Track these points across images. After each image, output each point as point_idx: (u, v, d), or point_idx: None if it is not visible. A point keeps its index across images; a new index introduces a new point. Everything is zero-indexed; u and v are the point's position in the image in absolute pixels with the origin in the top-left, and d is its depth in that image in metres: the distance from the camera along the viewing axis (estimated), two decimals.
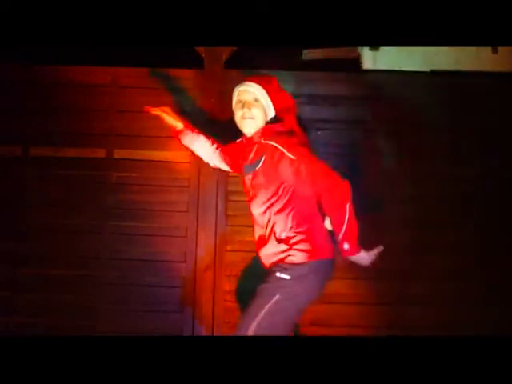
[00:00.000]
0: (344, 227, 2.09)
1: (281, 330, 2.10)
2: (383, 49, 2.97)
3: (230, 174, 2.73)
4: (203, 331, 2.81)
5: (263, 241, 2.22)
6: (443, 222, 2.85)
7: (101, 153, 2.90)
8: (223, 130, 2.60)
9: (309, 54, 3.04)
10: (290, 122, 2.24)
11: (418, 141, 2.89)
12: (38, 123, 2.90)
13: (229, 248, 2.87)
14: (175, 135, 2.53)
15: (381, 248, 2.20)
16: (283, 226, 2.15)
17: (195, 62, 2.90)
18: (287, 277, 2.10)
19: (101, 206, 2.88)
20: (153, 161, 2.89)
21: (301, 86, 2.91)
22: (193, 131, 2.51)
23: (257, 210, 2.22)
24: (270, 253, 2.19)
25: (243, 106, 2.21)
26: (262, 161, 2.15)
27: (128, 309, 2.85)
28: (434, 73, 2.96)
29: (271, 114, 2.24)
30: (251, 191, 2.23)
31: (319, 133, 2.90)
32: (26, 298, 2.85)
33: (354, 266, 2.82)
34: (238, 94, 2.26)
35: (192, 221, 2.88)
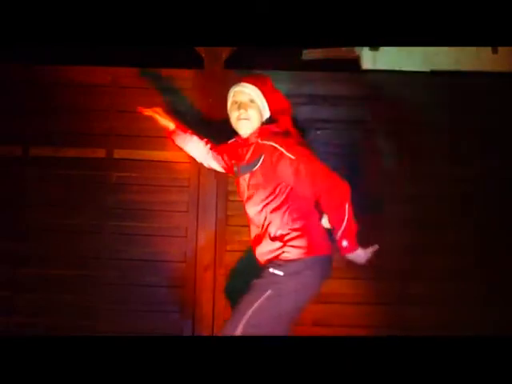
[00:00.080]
0: (343, 226, 2.09)
1: (272, 326, 2.09)
2: (383, 49, 2.97)
3: (230, 174, 2.73)
4: (203, 331, 2.81)
5: (259, 239, 2.22)
6: (443, 222, 2.85)
7: (101, 153, 2.90)
8: (220, 131, 2.59)
9: (309, 54, 3.04)
10: (285, 122, 2.25)
11: (417, 141, 2.89)
12: (38, 123, 2.90)
13: (229, 248, 2.87)
14: (168, 136, 2.54)
15: (376, 247, 2.20)
16: (279, 224, 2.16)
17: (195, 62, 2.90)
18: (281, 273, 2.10)
19: (101, 205, 2.88)
20: (153, 161, 2.89)
21: (301, 86, 2.91)
22: (186, 132, 2.52)
23: (253, 209, 2.22)
24: (265, 251, 2.20)
25: (239, 107, 2.22)
26: (260, 161, 2.15)
27: (128, 309, 2.85)
28: (434, 73, 2.96)
29: (266, 114, 2.25)
30: (247, 191, 2.23)
31: (319, 133, 2.90)
32: (26, 297, 2.85)
33: (354, 265, 2.82)
34: (234, 95, 2.26)
35: (192, 221, 2.88)
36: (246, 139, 2.24)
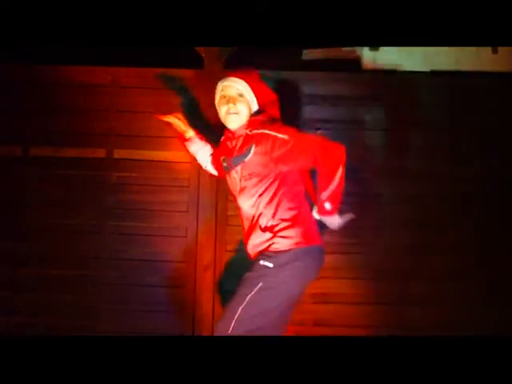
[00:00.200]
0: (331, 187, 2.10)
1: (265, 319, 2.10)
2: (383, 49, 2.97)
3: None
4: (203, 331, 2.81)
5: (250, 232, 2.23)
6: (443, 222, 2.85)
7: (101, 153, 2.90)
8: (220, 131, 2.59)
9: (309, 54, 3.04)
10: (272, 111, 2.29)
11: (418, 141, 2.89)
12: (38, 123, 2.89)
13: (229, 248, 2.86)
14: (182, 141, 2.54)
15: (352, 215, 2.22)
16: (270, 215, 2.17)
17: (195, 62, 2.90)
18: (270, 264, 2.11)
19: (101, 205, 2.88)
20: (153, 161, 2.89)
21: (301, 86, 2.91)
22: (201, 139, 2.54)
23: (246, 202, 2.22)
24: (255, 242, 2.21)
25: (228, 102, 2.24)
26: (251, 150, 2.16)
27: (128, 309, 2.85)
28: (434, 73, 2.97)
29: (255, 107, 2.27)
30: (240, 184, 2.23)
31: (319, 133, 2.89)
32: (26, 297, 2.85)
33: (354, 265, 2.85)
34: (222, 90, 2.27)
35: (192, 221, 2.88)
36: (235, 132, 2.26)
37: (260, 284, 2.09)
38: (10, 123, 2.89)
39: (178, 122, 2.52)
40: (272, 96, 2.33)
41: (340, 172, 2.10)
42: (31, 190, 2.88)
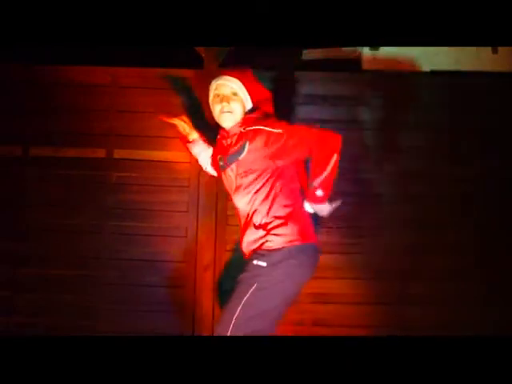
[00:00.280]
0: (324, 174, 2.10)
1: (262, 320, 2.09)
2: (383, 49, 2.97)
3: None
4: (203, 331, 2.81)
5: (245, 230, 2.23)
6: (443, 222, 2.85)
7: (101, 153, 2.90)
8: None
9: (309, 54, 3.04)
10: (266, 108, 2.29)
11: (418, 141, 2.89)
12: (38, 123, 2.89)
13: (229, 248, 2.86)
14: (185, 143, 2.54)
15: (340, 201, 2.22)
16: (264, 212, 2.16)
17: (195, 62, 2.90)
18: (264, 264, 2.10)
19: (101, 205, 2.88)
20: (153, 161, 2.89)
21: (301, 86, 2.92)
22: (205, 142, 2.55)
23: (242, 200, 2.22)
24: (249, 240, 2.20)
25: (221, 100, 2.23)
26: (246, 147, 2.16)
27: (128, 309, 2.85)
28: (434, 73, 2.96)
29: (249, 105, 2.27)
30: (235, 182, 2.23)
31: None
32: (26, 297, 2.85)
33: (354, 265, 2.85)
34: (216, 88, 2.27)
35: (192, 221, 2.88)
36: (229, 131, 2.25)
37: (255, 285, 2.08)
38: (10, 123, 2.89)
39: (182, 124, 2.52)
40: (266, 94, 2.33)
41: (334, 159, 2.10)
42: (31, 190, 2.88)
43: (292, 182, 2.23)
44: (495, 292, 2.82)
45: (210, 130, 2.66)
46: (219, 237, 2.87)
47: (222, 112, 2.24)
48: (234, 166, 2.22)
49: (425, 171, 2.87)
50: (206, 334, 2.81)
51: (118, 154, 2.90)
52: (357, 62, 3.01)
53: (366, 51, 2.99)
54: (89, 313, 2.85)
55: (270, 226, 2.15)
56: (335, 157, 2.10)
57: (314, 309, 2.85)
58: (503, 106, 2.89)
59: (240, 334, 2.05)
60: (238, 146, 2.19)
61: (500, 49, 2.93)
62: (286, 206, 2.17)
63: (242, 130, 2.20)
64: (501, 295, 2.82)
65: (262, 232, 2.16)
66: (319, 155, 2.11)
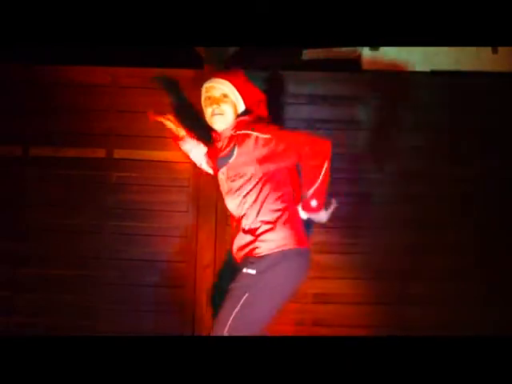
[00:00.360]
0: (317, 183, 2.08)
1: (253, 328, 2.07)
2: (383, 49, 2.97)
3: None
4: (203, 331, 2.81)
5: (235, 234, 2.22)
6: (443, 222, 2.85)
7: (101, 153, 2.90)
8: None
9: (309, 54, 3.04)
10: (260, 111, 2.26)
11: (418, 141, 2.89)
12: (38, 123, 2.90)
13: (229, 248, 2.86)
14: (175, 140, 2.54)
15: (335, 204, 2.20)
16: (253, 216, 2.14)
17: (195, 62, 2.90)
18: (253, 272, 2.08)
19: (101, 205, 2.88)
20: (153, 161, 2.89)
21: (301, 86, 2.92)
22: (193, 138, 2.54)
23: (232, 203, 2.21)
24: (238, 246, 2.19)
25: (212, 103, 2.22)
26: (235, 151, 2.15)
27: (128, 309, 2.85)
28: (434, 73, 2.97)
29: (241, 108, 2.24)
30: (226, 185, 2.22)
31: (319, 133, 2.89)
32: (26, 297, 2.85)
33: (354, 265, 2.85)
34: (206, 91, 2.26)
35: (192, 221, 2.88)
36: (221, 133, 2.24)
37: (245, 295, 2.05)
38: (10, 123, 2.89)
39: (168, 122, 2.52)
40: (260, 96, 2.30)
41: (325, 167, 2.08)
42: (31, 190, 2.88)
43: (283, 186, 2.18)
44: (495, 292, 2.82)
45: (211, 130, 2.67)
46: (219, 237, 2.87)
47: (212, 114, 2.22)
48: (224, 169, 2.21)
49: (425, 171, 2.87)
50: (205, 333, 2.81)
51: (118, 153, 2.90)
52: (357, 61, 3.01)
53: (365, 51, 2.99)
54: (89, 313, 2.85)
55: (258, 232, 2.12)
56: (326, 164, 2.08)
57: (314, 309, 2.85)
58: (503, 106, 2.89)
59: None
60: (228, 149, 2.17)
61: (500, 49, 2.94)
62: (275, 211, 2.13)
63: (233, 134, 2.18)
64: (501, 295, 2.82)
65: (250, 237, 2.13)
66: (310, 163, 2.08)
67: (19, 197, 2.88)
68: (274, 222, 2.12)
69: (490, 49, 2.94)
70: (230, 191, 2.21)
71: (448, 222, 2.85)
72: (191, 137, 2.53)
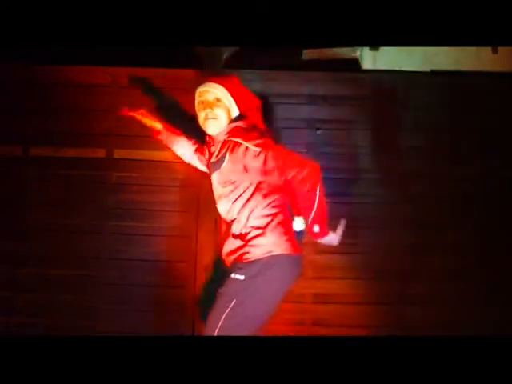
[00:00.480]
0: (314, 209, 2.06)
1: (243, 333, 2.06)
2: (383, 49, 2.97)
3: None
4: (203, 331, 2.81)
5: (225, 238, 2.21)
6: (443, 222, 2.85)
7: (101, 153, 2.90)
8: None
9: (309, 54, 3.04)
10: (255, 118, 2.24)
11: (418, 141, 2.89)
12: (38, 123, 2.90)
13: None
14: (155, 136, 2.55)
15: (343, 221, 2.17)
16: (242, 222, 2.14)
17: (195, 62, 2.90)
18: (241, 277, 2.07)
19: (101, 205, 2.88)
20: (153, 161, 2.89)
21: (301, 86, 2.92)
22: (172, 132, 2.53)
23: (222, 208, 2.21)
24: (228, 250, 2.18)
25: (205, 107, 2.21)
26: (226, 158, 2.14)
27: (128, 309, 2.85)
28: (434, 73, 2.96)
29: (235, 112, 2.23)
30: (217, 190, 2.22)
31: (319, 133, 2.90)
32: (26, 297, 2.85)
33: (354, 265, 2.85)
34: (199, 95, 2.25)
35: (192, 221, 2.88)
36: (214, 138, 2.23)
37: (233, 301, 2.05)
38: (10, 123, 2.89)
39: (142, 118, 2.53)
40: (255, 102, 2.28)
41: (318, 192, 2.05)
42: (31, 190, 2.88)
43: (275, 191, 2.16)
44: (495, 292, 2.82)
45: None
46: (219, 237, 2.86)
47: (206, 119, 2.21)
48: (216, 174, 2.21)
49: (425, 171, 2.87)
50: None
51: (118, 154, 2.90)
52: (357, 61, 3.01)
53: (365, 51, 2.99)
54: (89, 313, 2.85)
55: (248, 237, 2.12)
56: (319, 188, 2.05)
57: (314, 309, 2.85)
58: (503, 106, 2.89)
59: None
60: (220, 155, 2.17)
61: (500, 49, 2.93)
62: (265, 216, 2.12)
63: (226, 139, 2.16)
64: (501, 295, 2.82)
65: (239, 242, 2.13)
66: (302, 190, 2.05)
67: (19, 197, 2.88)
68: (265, 228, 2.11)
69: (489, 49, 2.94)
70: (221, 196, 2.21)
71: (448, 222, 2.85)
72: (171, 130, 2.53)
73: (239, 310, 2.05)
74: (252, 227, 2.12)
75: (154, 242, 2.87)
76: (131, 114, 2.53)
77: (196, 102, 2.27)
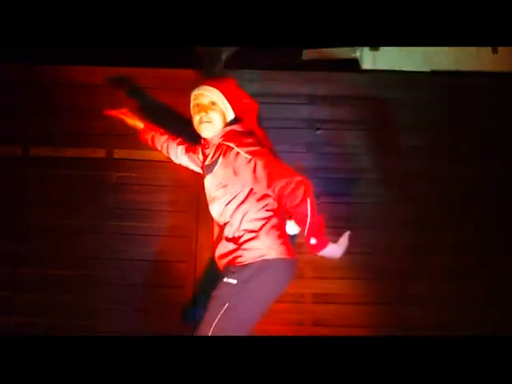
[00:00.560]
0: (308, 222, 2.00)
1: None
2: (383, 49, 2.97)
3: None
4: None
5: (217, 241, 2.20)
6: (443, 222, 2.85)
7: (101, 153, 2.90)
8: None
9: (309, 54, 3.04)
10: (250, 122, 2.22)
11: (418, 141, 2.89)
12: (38, 123, 2.90)
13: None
14: (138, 136, 2.55)
15: (347, 233, 2.14)
16: (235, 225, 2.12)
17: (195, 62, 2.90)
18: (234, 281, 2.05)
19: (101, 206, 2.88)
20: (153, 161, 2.89)
21: (301, 86, 2.92)
22: (156, 131, 2.54)
23: (215, 210, 2.20)
24: (221, 253, 2.17)
25: (200, 110, 2.18)
26: (219, 161, 2.12)
27: (128, 309, 2.85)
28: (434, 73, 2.97)
29: (230, 115, 2.20)
30: (210, 192, 2.21)
31: (319, 133, 2.90)
32: (26, 297, 2.85)
33: (354, 265, 2.85)
34: (194, 98, 2.22)
35: (192, 221, 2.88)
36: (209, 141, 2.21)
37: (226, 305, 2.03)
38: (10, 123, 2.89)
39: (124, 117, 2.54)
40: (252, 105, 2.26)
41: (309, 205, 1.99)
42: (31, 190, 2.88)
43: (267, 195, 2.13)
44: (495, 292, 2.82)
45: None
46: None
47: (200, 122, 2.18)
48: (209, 177, 2.19)
49: (425, 171, 2.88)
50: None
51: (118, 154, 2.90)
52: (357, 62, 3.02)
53: (365, 51, 2.99)
54: (89, 313, 2.85)
55: (241, 241, 2.10)
56: (309, 201, 1.99)
57: (314, 309, 2.85)
58: (503, 106, 2.89)
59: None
60: (214, 158, 2.15)
61: (500, 49, 2.94)
62: (258, 220, 2.11)
63: (221, 142, 2.14)
64: (501, 295, 2.82)
65: (232, 246, 2.12)
66: (292, 204, 2.00)
67: (19, 197, 2.88)
68: (258, 231, 2.10)
69: (489, 49, 2.94)
70: (214, 198, 2.20)
71: (448, 221, 2.85)
72: (154, 129, 2.54)
73: (232, 314, 2.03)
74: (245, 230, 2.11)
75: (154, 241, 2.87)
76: (113, 113, 2.54)
77: (191, 104, 2.25)
